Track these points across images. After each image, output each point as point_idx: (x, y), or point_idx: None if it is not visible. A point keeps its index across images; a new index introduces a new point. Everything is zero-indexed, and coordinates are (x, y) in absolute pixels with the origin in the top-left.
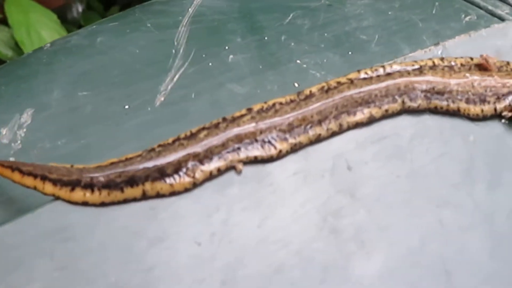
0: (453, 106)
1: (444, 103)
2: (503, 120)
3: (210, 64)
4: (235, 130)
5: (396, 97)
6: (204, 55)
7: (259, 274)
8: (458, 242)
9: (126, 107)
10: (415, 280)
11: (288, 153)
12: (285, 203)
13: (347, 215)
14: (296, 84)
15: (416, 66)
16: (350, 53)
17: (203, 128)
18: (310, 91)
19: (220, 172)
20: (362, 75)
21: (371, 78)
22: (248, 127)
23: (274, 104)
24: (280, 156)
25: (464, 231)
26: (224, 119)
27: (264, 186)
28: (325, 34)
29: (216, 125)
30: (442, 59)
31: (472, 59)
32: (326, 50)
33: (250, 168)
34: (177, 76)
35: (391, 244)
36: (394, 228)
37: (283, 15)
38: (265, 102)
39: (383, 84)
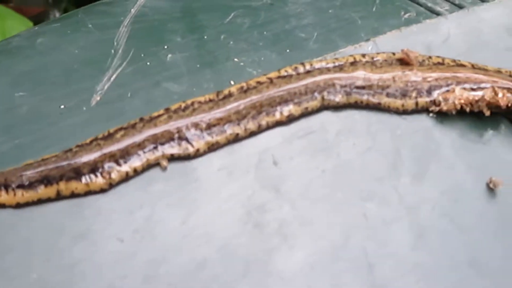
0: (373, 100)
1: (365, 98)
2: (431, 114)
3: (148, 63)
4: (152, 130)
5: (316, 94)
6: (142, 55)
7: (182, 270)
8: (381, 235)
9: (62, 107)
10: (337, 273)
11: (206, 152)
12: (210, 199)
13: (271, 210)
14: (232, 82)
15: (337, 63)
16: (287, 50)
17: (121, 128)
18: (229, 91)
19: (137, 172)
20: (283, 74)
21: (291, 76)
22: (165, 126)
23: (192, 103)
24: (198, 154)
25: (388, 224)
26: (141, 119)
27: (189, 182)
28: (264, 33)
29: (133, 125)
30: (364, 55)
31: (394, 54)
32: (264, 48)
33: (175, 165)
34: (114, 76)
35: (314, 238)
36: (317, 222)
37: (225, 14)
38: (184, 101)
39: (303, 82)
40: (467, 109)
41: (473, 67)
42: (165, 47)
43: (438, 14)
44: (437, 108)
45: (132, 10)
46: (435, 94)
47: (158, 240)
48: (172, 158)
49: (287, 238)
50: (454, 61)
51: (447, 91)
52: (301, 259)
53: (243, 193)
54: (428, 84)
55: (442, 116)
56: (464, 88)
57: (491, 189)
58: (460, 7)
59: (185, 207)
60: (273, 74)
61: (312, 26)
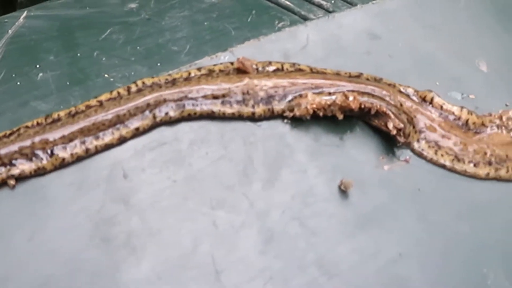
0: (206, 109)
1: (198, 109)
2: (285, 120)
3: (18, 83)
4: None
5: (147, 113)
6: (14, 75)
7: (26, 287)
8: (230, 241)
9: None
10: (184, 281)
11: (31, 175)
12: (58, 215)
13: (119, 222)
14: None
15: (170, 79)
16: (159, 64)
17: None
18: (58, 115)
19: None
20: (114, 95)
21: (121, 97)
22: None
23: (19, 129)
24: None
25: (237, 231)
26: None
27: (37, 200)
28: (138, 48)
29: None
30: (199, 68)
31: (232, 63)
32: (135, 63)
33: (24, 183)
34: None
35: (162, 248)
36: (166, 232)
37: (101, 31)
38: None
39: (132, 103)
40: (320, 114)
41: (312, 71)
42: (37, 66)
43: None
44: (291, 114)
45: (9, 30)
46: (275, 101)
47: (3, 259)
48: (20, 177)
49: (135, 249)
50: (293, 65)
51: (300, 96)
52: (148, 269)
53: (91, 207)
54: (264, 93)
55: (297, 121)
56: (318, 93)
57: (342, 191)
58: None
59: (32, 225)
60: (104, 96)
61: (186, 39)
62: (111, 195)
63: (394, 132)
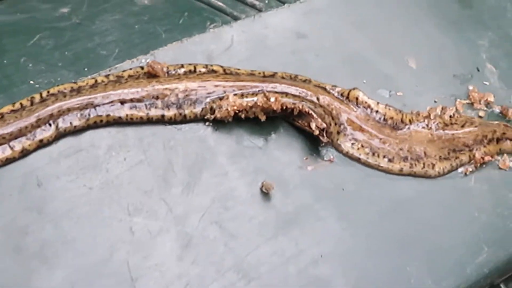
0: (113, 115)
1: (104, 115)
2: (207, 123)
3: None
4: None
5: (50, 124)
6: None
7: None
8: (146, 248)
9: None
10: None
11: None
12: None
13: (33, 231)
14: None
15: (76, 87)
16: (85, 69)
17: None
18: None
19: None
20: (16, 107)
21: (23, 109)
22: None
23: None
24: None
25: (154, 237)
26: None
27: None
28: (66, 53)
29: None
30: (108, 75)
31: (142, 68)
32: (62, 69)
33: None
34: None
35: (77, 256)
36: (81, 240)
37: (30, 36)
38: None
39: (34, 115)
40: (242, 116)
41: (225, 72)
42: None
43: None
44: (212, 116)
45: None
46: (186, 105)
47: None
48: None
49: (48, 258)
50: (206, 67)
51: (221, 98)
52: (61, 278)
53: (4, 217)
54: (175, 97)
55: (219, 124)
56: (241, 94)
57: (264, 193)
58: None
59: None
60: (6, 109)
61: (116, 42)
62: (24, 205)
63: (316, 132)
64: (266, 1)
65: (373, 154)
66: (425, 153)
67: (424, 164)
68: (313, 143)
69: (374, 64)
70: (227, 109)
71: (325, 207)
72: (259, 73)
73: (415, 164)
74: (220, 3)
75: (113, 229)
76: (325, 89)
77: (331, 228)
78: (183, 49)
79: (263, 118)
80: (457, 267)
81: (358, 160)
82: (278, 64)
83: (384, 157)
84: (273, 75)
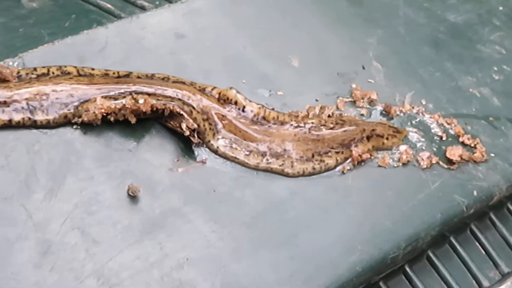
0: None
1: None
2: (75, 126)
3: None
4: None
5: None
6: None
7: None
8: (3, 256)
9: None
10: None
11: None
12: None
13: None
14: None
15: None
16: None
17: None
18: None
19: None
20: None
21: None
22: None
23: None
24: None
25: (12, 244)
26: None
27: None
28: None
29: None
30: None
31: None
32: None
33: None
34: None
35: None
36: None
37: None
38: None
39: None
40: (112, 118)
41: (79, 73)
42: None
43: None
44: (79, 120)
45: None
46: (38, 110)
47: None
48: None
49: None
50: (59, 69)
51: (87, 101)
52: None
53: None
54: (24, 101)
55: (88, 127)
56: (109, 97)
57: (131, 196)
58: None
59: None
60: None
61: None
62: None
63: (187, 132)
64: (157, 2)
65: (248, 153)
66: (285, 150)
67: (284, 162)
68: (186, 145)
69: (254, 64)
70: (94, 112)
71: (194, 209)
72: (114, 73)
73: (272, 162)
74: (108, 5)
75: None
76: (198, 89)
77: (199, 231)
78: (54, 52)
79: (133, 120)
80: (329, 267)
81: (229, 158)
82: (155, 65)
83: (249, 153)
84: (128, 75)
